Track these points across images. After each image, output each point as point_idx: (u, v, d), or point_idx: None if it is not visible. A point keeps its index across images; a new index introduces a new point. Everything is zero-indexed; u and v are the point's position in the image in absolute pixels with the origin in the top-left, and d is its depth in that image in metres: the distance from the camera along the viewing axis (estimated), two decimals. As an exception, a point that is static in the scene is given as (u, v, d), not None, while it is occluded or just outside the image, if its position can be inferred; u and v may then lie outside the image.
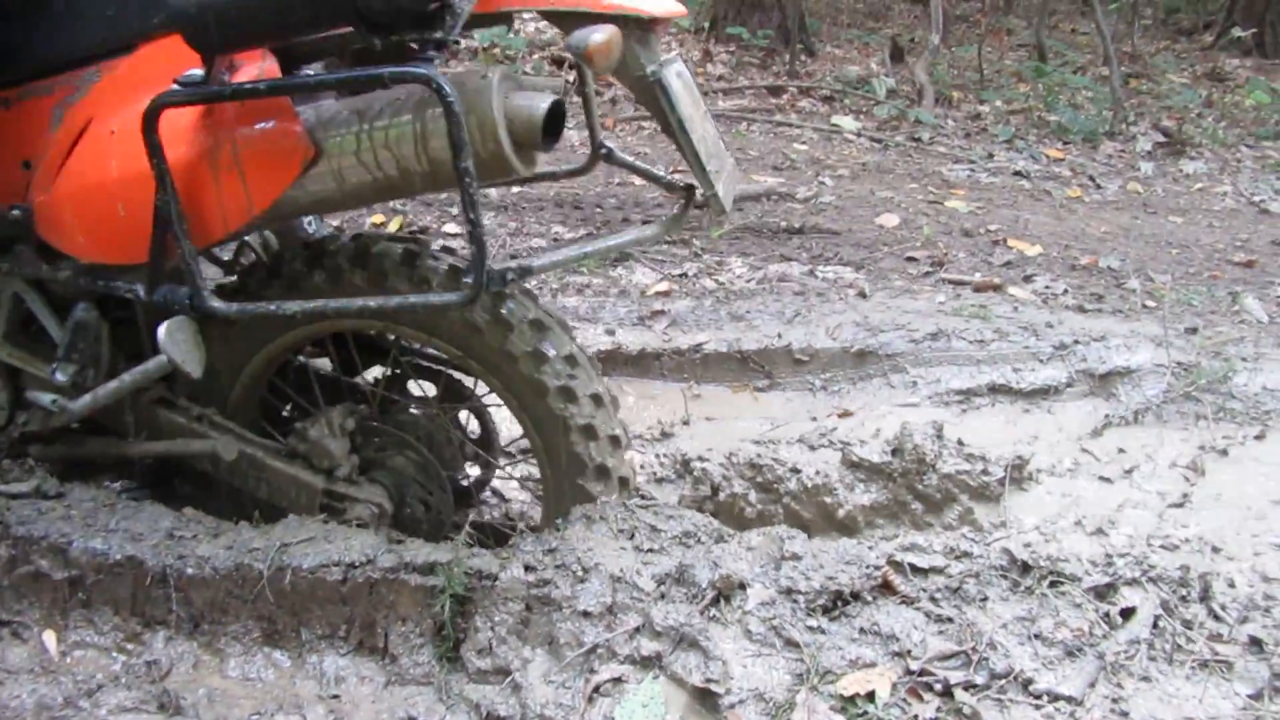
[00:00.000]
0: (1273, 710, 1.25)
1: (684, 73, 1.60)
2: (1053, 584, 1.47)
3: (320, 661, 1.53)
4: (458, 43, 1.63)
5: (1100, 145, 4.71)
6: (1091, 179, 4.27)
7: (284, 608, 1.55)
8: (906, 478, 1.98)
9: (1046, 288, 2.94)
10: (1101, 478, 2.06)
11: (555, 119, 1.33)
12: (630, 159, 1.82)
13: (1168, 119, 5.19)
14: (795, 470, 2.01)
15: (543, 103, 1.32)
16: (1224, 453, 2.06)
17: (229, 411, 1.62)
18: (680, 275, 2.98)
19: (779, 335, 2.54)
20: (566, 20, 1.34)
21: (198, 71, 1.34)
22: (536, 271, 1.50)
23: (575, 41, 1.31)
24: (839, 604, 1.45)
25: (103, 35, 1.52)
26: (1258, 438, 2.09)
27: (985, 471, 1.96)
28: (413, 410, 1.74)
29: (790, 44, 5.21)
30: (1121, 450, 2.11)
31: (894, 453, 1.99)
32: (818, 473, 2.00)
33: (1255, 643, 1.36)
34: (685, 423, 2.39)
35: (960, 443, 1.99)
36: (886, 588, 1.47)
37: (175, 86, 1.35)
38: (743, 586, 1.46)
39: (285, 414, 1.79)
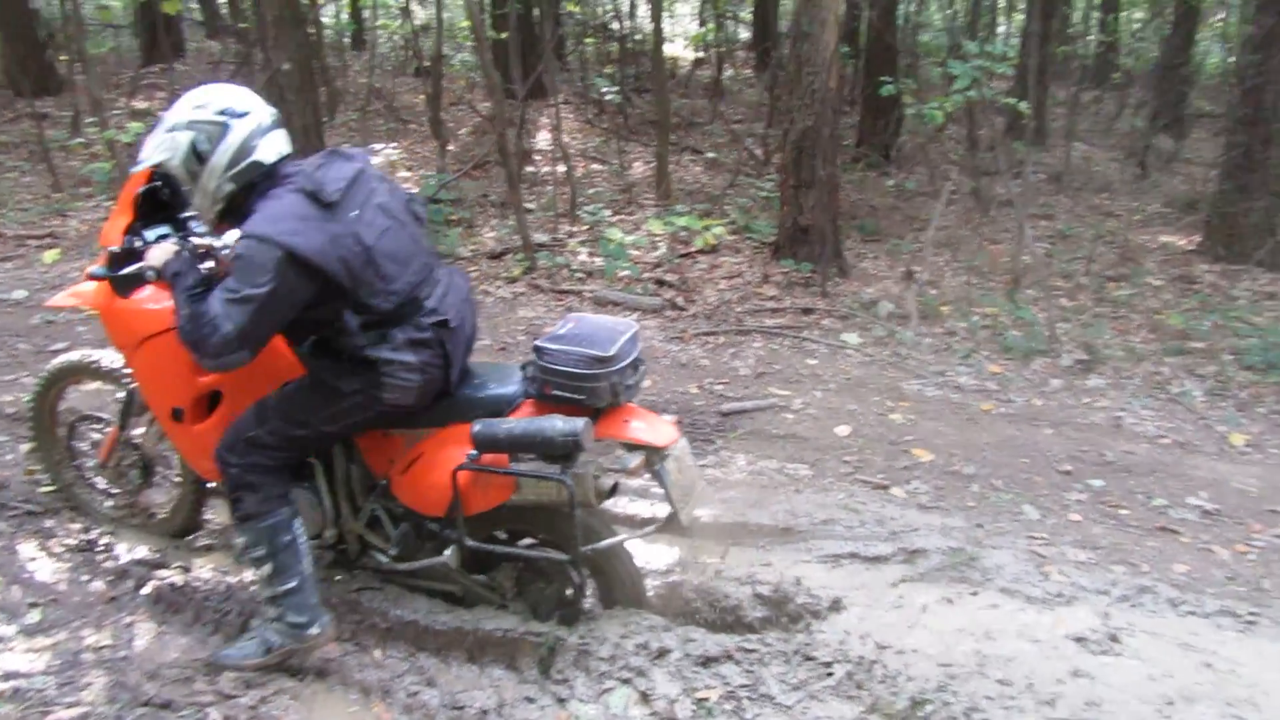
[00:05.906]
0: None
1: (682, 454, 2.83)
2: (807, 658, 3.17)
3: (491, 671, 3.00)
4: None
5: (1032, 362, 5.74)
6: (1006, 394, 5.39)
7: (476, 646, 3.09)
8: (780, 604, 3.64)
9: (915, 489, 4.21)
10: (881, 609, 3.34)
11: (615, 487, 2.93)
12: (669, 485, 2.79)
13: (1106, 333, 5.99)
14: (726, 595, 3.71)
15: (610, 481, 2.88)
16: (950, 601, 3.49)
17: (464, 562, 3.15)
18: (701, 466, 4.67)
19: (744, 514, 3.99)
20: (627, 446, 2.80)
21: (474, 452, 2.76)
22: (602, 548, 2.92)
23: (624, 462, 2.79)
24: (709, 662, 3.16)
25: (435, 421, 2.91)
26: (972, 594, 3.51)
27: (818, 603, 3.60)
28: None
29: (823, 272, 6.55)
30: (901, 595, 3.55)
31: (774, 590, 3.69)
32: (737, 599, 3.62)
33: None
34: (683, 562, 3.99)
35: (809, 589, 3.62)
36: (728, 656, 3.19)
37: (467, 458, 2.77)
38: (667, 651, 3.21)
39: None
